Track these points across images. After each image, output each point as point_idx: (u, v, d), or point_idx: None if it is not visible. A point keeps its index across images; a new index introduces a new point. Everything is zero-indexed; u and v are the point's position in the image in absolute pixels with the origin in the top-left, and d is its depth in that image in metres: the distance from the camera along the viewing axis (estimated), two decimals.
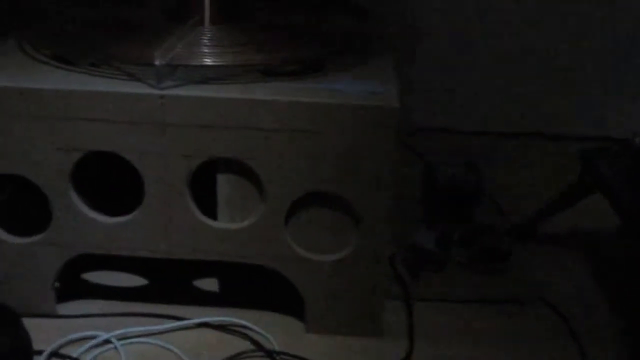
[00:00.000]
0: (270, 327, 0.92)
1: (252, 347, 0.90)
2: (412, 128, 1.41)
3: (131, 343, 0.90)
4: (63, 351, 0.88)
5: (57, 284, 0.92)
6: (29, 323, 0.85)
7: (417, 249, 1.05)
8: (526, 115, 1.47)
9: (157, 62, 0.82)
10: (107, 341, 0.90)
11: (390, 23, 1.23)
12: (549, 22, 1.41)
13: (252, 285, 0.97)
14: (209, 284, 0.99)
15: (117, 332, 0.90)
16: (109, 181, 0.91)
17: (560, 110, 1.46)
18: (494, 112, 1.47)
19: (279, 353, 0.89)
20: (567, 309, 0.98)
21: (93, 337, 0.90)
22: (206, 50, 0.88)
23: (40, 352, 0.87)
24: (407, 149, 1.35)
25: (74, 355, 0.88)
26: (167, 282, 1.00)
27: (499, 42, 1.42)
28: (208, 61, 0.86)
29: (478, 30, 1.42)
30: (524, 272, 1.06)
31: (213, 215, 0.89)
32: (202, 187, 0.88)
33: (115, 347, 0.89)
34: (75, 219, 0.88)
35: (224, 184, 0.87)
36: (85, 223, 0.88)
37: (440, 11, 1.42)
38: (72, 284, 0.96)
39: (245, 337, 0.92)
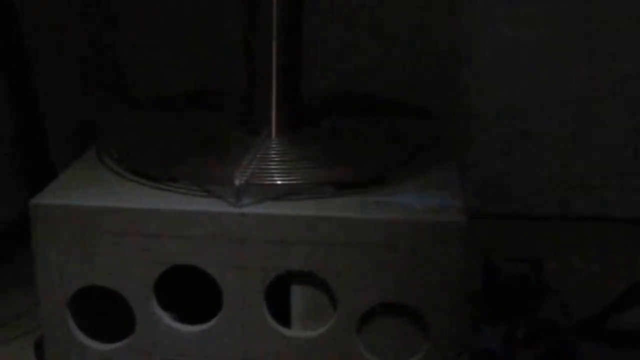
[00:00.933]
0: None
1: None
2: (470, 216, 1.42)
3: None
4: None
5: None
6: None
7: (483, 352, 1.06)
8: (590, 199, 1.41)
9: (236, 182, 0.88)
10: None
11: (448, 117, 1.25)
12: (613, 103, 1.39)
13: None
14: None
15: None
16: (189, 291, 0.95)
17: (628, 191, 1.39)
18: (554, 196, 1.42)
19: None
20: None
21: None
22: (278, 167, 0.94)
23: None
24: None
25: None
26: None
27: (557, 122, 1.41)
28: (281, 180, 0.91)
29: (534, 110, 1.41)
30: None
31: (287, 324, 0.93)
32: (277, 296, 0.92)
33: None
34: (157, 327, 0.93)
35: (298, 294, 0.91)
36: (166, 331, 0.93)
37: (491, 91, 1.42)
38: None
39: None
